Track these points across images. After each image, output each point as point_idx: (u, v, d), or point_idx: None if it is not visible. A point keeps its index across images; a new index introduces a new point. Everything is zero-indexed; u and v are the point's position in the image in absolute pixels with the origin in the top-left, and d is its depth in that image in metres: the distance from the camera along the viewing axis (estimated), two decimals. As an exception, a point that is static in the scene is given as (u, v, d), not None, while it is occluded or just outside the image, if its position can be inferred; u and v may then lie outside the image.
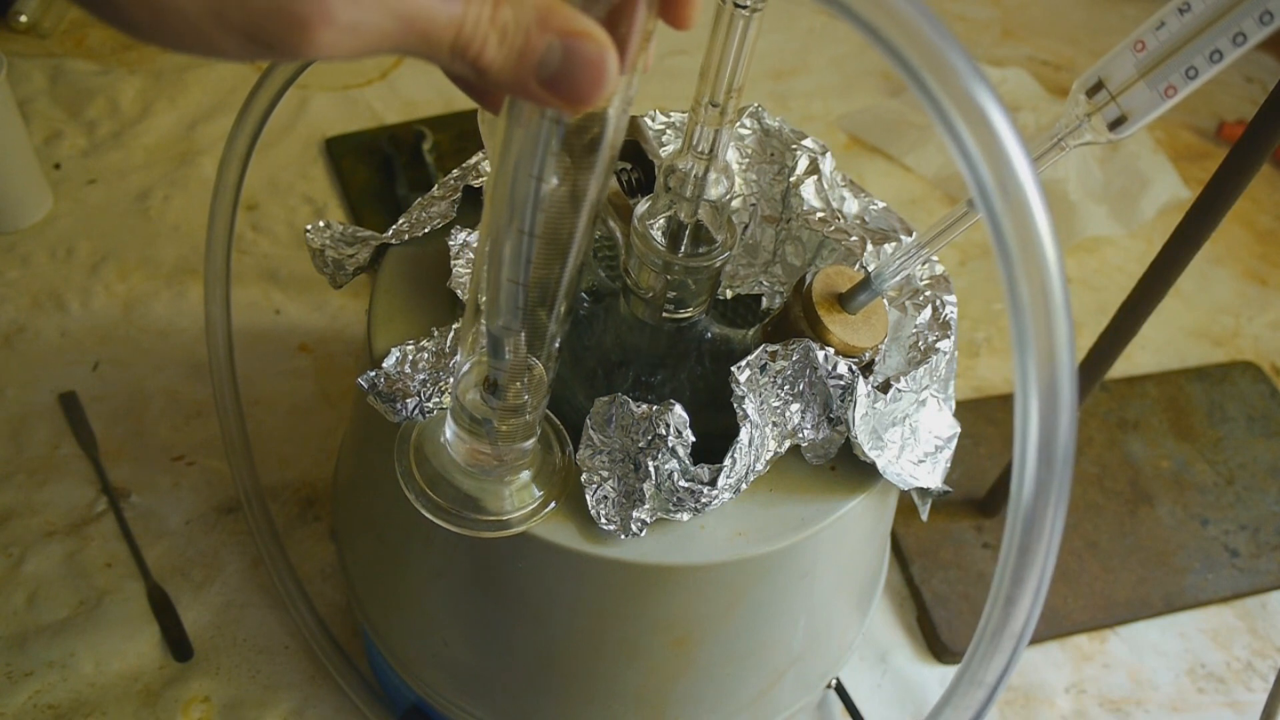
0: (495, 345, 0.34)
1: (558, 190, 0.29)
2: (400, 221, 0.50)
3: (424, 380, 0.43)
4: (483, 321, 0.34)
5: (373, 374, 0.43)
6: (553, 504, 0.40)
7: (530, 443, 0.39)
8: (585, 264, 0.51)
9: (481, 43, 0.24)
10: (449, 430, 0.39)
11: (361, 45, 0.23)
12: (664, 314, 0.45)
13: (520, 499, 0.40)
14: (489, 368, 0.35)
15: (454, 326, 0.44)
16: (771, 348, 0.42)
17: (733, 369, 0.41)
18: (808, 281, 0.43)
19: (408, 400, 0.42)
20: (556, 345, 0.35)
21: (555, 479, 0.41)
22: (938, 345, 0.45)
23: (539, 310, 0.33)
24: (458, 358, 0.36)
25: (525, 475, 0.40)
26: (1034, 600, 0.29)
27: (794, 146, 0.52)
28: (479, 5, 0.24)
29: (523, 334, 0.34)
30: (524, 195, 0.29)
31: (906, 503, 0.50)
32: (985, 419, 0.82)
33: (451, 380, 0.42)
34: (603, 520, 0.40)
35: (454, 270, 0.46)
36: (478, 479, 0.39)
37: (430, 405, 0.42)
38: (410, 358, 0.43)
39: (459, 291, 0.46)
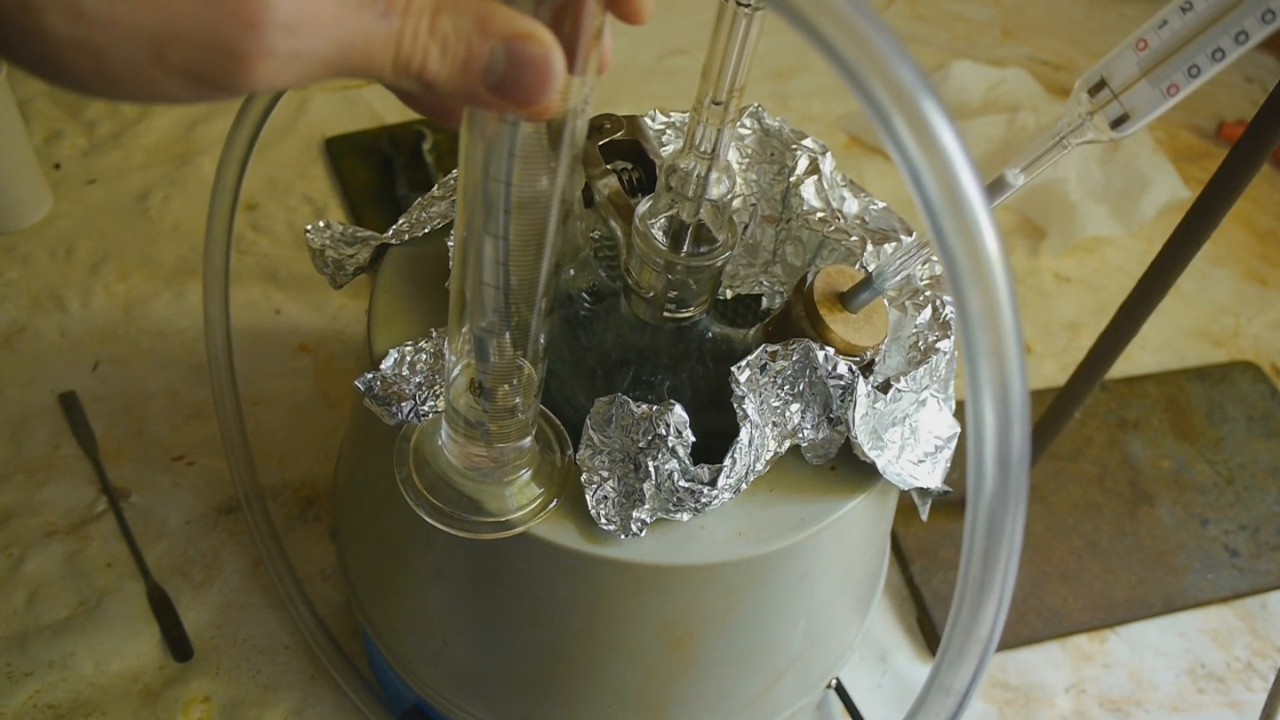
0: (480, 347, 0.34)
1: (525, 192, 0.29)
2: (400, 221, 0.50)
3: (420, 383, 0.43)
4: (467, 324, 0.34)
5: (369, 376, 0.43)
6: (554, 502, 0.40)
7: (526, 442, 0.39)
8: (585, 263, 0.51)
9: (423, 56, 0.24)
10: (444, 433, 0.39)
11: (303, 74, 0.23)
12: (665, 314, 0.45)
13: (520, 498, 0.40)
14: (476, 370, 0.35)
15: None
16: (772, 348, 0.42)
17: (733, 369, 0.41)
18: (809, 280, 0.43)
19: (403, 403, 0.42)
20: (543, 342, 0.35)
21: (555, 477, 0.41)
22: (938, 345, 0.45)
23: (520, 310, 0.33)
24: (449, 359, 0.36)
25: (524, 475, 0.40)
26: (998, 605, 0.28)
27: (794, 146, 0.52)
28: (416, 18, 0.24)
29: (507, 334, 0.34)
30: (492, 200, 0.29)
31: (906, 503, 0.50)
32: (985, 419, 0.82)
33: (443, 383, 0.42)
34: (603, 520, 0.40)
35: (453, 270, 0.46)
36: (477, 481, 0.39)
37: (426, 409, 0.42)
38: (408, 359, 0.43)
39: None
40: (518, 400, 0.36)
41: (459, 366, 0.36)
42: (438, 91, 0.25)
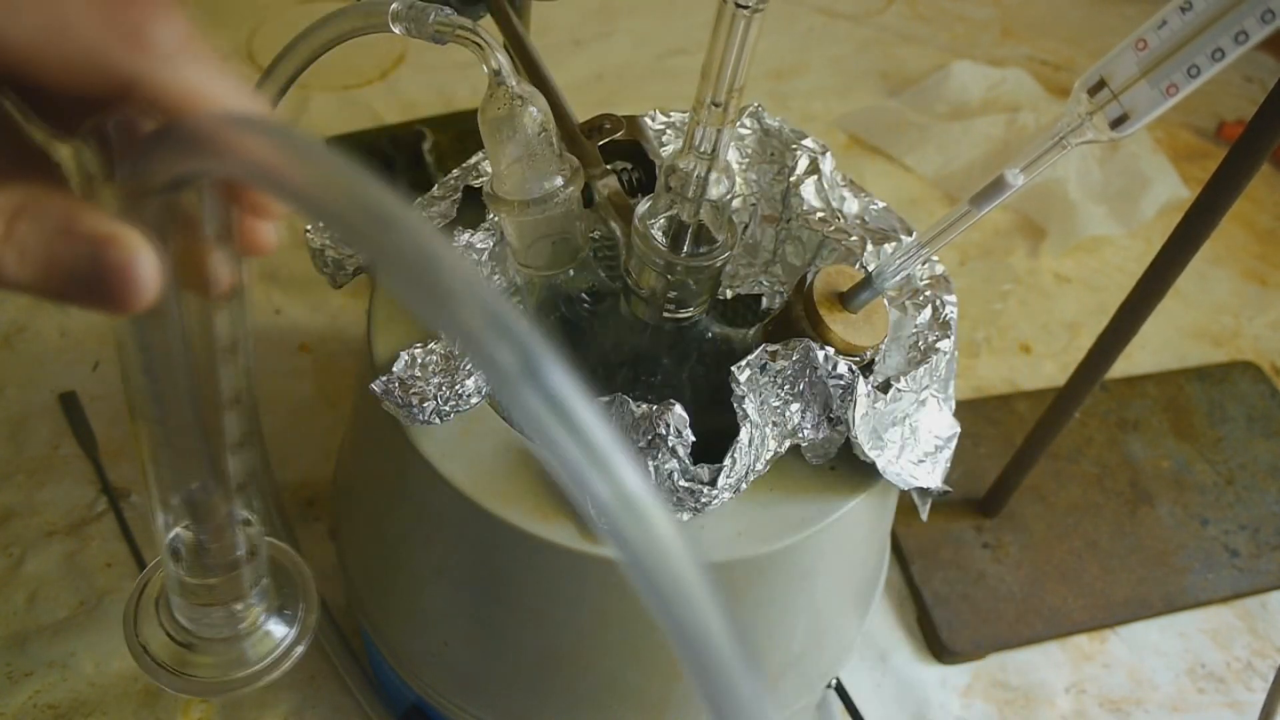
0: (186, 509, 0.32)
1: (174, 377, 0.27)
2: (400, 221, 0.50)
3: (439, 383, 0.42)
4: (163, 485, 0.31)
5: (385, 379, 0.42)
6: (299, 648, 0.36)
7: (255, 591, 0.35)
8: (584, 263, 0.51)
9: None
10: (168, 590, 0.35)
11: None
12: (664, 314, 0.45)
13: (261, 648, 0.36)
14: (186, 530, 0.33)
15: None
16: (772, 347, 0.42)
17: (733, 369, 0.41)
18: (809, 280, 0.43)
19: (425, 404, 0.42)
20: (247, 485, 0.32)
21: (299, 621, 0.37)
22: (938, 345, 0.45)
23: (216, 467, 0.31)
24: (156, 517, 0.33)
25: (262, 625, 0.36)
26: None
27: (794, 146, 0.52)
28: None
29: (216, 494, 0.31)
30: (158, 382, 0.27)
31: (906, 503, 0.50)
32: (985, 419, 0.82)
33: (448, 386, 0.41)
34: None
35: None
36: (210, 635, 0.36)
37: (448, 408, 0.42)
38: (419, 360, 0.43)
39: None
40: (239, 554, 0.33)
41: (172, 531, 0.33)
42: (22, 291, 0.23)
